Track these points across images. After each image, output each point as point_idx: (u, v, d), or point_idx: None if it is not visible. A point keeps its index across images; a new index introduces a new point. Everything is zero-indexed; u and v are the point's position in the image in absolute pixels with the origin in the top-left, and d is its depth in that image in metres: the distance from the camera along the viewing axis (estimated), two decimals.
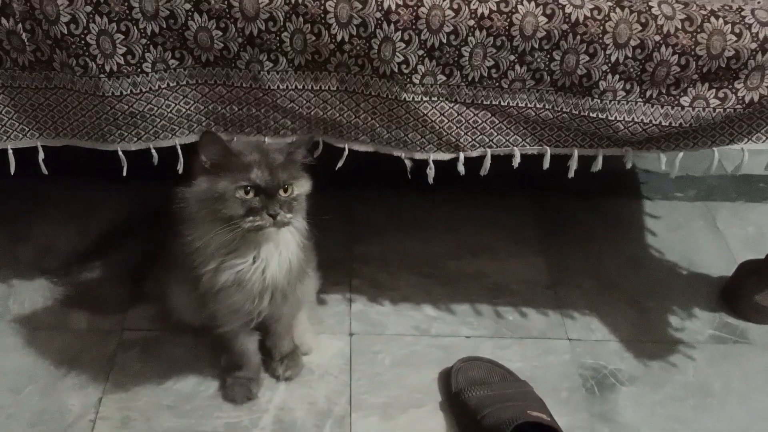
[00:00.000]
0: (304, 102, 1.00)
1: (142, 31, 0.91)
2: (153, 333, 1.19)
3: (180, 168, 1.03)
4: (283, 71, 0.96)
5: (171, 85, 0.97)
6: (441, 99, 0.99)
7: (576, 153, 1.06)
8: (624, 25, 0.93)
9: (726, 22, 0.93)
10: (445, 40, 0.93)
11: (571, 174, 1.07)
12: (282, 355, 1.13)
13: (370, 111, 1.00)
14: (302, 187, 0.93)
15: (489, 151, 1.05)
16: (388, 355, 1.18)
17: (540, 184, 1.45)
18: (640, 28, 0.93)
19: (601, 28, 0.93)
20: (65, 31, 0.90)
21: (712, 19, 0.94)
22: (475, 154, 1.05)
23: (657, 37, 0.93)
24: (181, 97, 0.99)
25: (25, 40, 0.92)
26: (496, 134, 1.04)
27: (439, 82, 0.98)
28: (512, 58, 0.95)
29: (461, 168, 1.05)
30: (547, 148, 1.05)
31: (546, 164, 1.06)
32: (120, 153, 1.03)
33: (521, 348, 1.21)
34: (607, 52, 0.94)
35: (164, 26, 0.91)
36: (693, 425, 1.11)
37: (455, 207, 1.47)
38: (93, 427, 1.05)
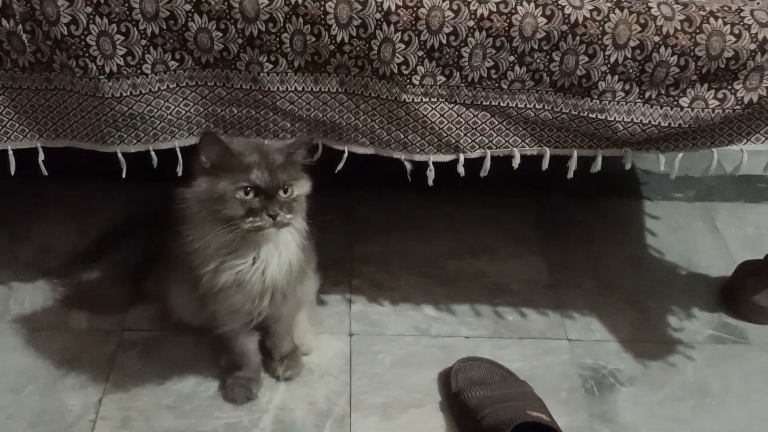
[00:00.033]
0: (304, 104, 1.00)
1: (142, 32, 0.91)
2: (153, 333, 1.19)
3: (179, 171, 1.03)
4: (283, 73, 0.96)
5: (171, 86, 0.97)
6: (441, 100, 1.00)
7: (575, 154, 1.06)
8: (623, 25, 0.93)
9: (725, 23, 0.93)
10: (444, 41, 0.93)
11: (570, 175, 1.07)
12: (282, 355, 1.13)
13: (370, 112, 1.00)
14: (302, 187, 0.93)
15: (489, 152, 1.05)
16: (388, 356, 1.18)
17: (540, 184, 1.45)
18: (639, 28, 0.93)
19: (601, 28, 0.93)
20: (65, 32, 0.90)
21: (712, 20, 0.94)
22: (474, 155, 1.05)
23: (656, 38, 0.94)
24: (181, 98, 0.99)
25: (26, 41, 0.92)
26: (495, 135, 1.04)
27: (438, 83, 0.98)
28: (512, 58, 0.95)
29: (461, 169, 1.05)
30: (547, 148, 1.06)
31: (545, 165, 1.06)
32: (119, 155, 1.03)
33: (521, 348, 1.21)
34: (607, 52, 0.94)
35: (164, 27, 0.91)
36: (692, 425, 1.11)
37: (455, 207, 1.47)
38: (93, 427, 1.05)
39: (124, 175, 1.04)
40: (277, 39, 0.93)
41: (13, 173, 1.03)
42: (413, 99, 0.98)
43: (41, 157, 1.03)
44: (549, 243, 1.42)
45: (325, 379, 1.14)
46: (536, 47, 0.94)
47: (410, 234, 1.41)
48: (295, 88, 0.98)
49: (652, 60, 0.95)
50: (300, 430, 1.07)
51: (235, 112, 1.01)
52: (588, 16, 0.93)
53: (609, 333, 1.25)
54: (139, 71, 0.94)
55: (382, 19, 0.91)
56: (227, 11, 0.90)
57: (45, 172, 1.04)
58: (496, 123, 1.03)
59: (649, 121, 1.01)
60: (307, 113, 1.01)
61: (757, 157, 1.08)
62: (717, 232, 1.48)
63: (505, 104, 1.00)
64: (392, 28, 0.92)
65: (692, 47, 0.94)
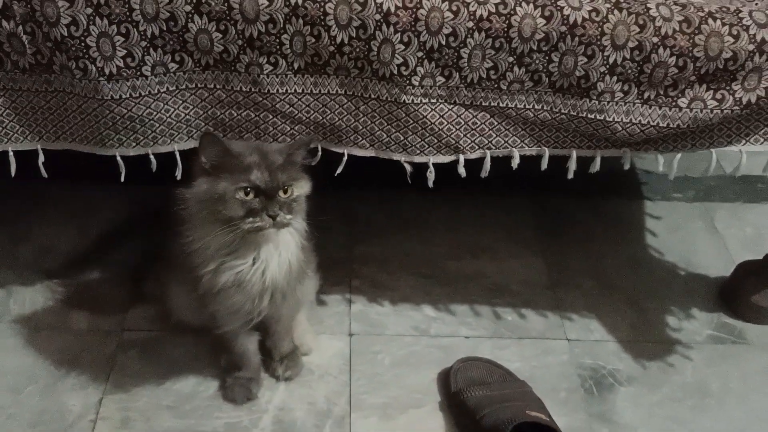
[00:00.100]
0: (304, 106, 1.00)
1: (142, 33, 0.91)
2: (153, 333, 1.19)
3: (178, 175, 1.03)
4: (283, 74, 0.97)
5: (170, 89, 0.97)
6: (440, 101, 1.00)
7: (574, 154, 1.06)
8: (622, 26, 0.93)
9: (724, 24, 0.94)
10: (444, 42, 0.94)
11: (570, 175, 1.08)
12: (282, 355, 1.13)
13: (370, 114, 1.00)
14: (302, 188, 0.93)
15: (488, 153, 1.05)
16: (387, 356, 1.18)
17: (540, 185, 1.45)
18: (638, 29, 0.94)
19: (599, 29, 0.93)
20: (65, 33, 0.90)
21: (710, 20, 0.94)
22: (474, 156, 1.05)
23: (655, 39, 0.94)
24: (180, 101, 0.99)
25: (26, 43, 0.92)
26: (495, 136, 1.04)
27: (438, 84, 0.98)
28: (511, 59, 0.96)
29: (462, 170, 1.05)
30: (546, 149, 1.06)
31: (544, 165, 1.06)
32: (118, 158, 1.03)
33: (520, 348, 1.21)
34: (605, 53, 0.95)
35: (164, 28, 0.92)
36: (691, 425, 1.11)
37: (455, 207, 1.48)
38: (93, 427, 1.06)
39: (122, 179, 1.04)
40: (277, 40, 0.93)
41: (13, 175, 1.03)
42: (413, 100, 0.98)
43: (41, 159, 1.03)
44: (549, 243, 1.42)
45: (325, 379, 1.14)
46: (535, 48, 0.94)
47: (410, 234, 1.41)
48: (295, 90, 0.98)
49: (650, 61, 0.95)
50: (300, 430, 1.07)
51: (235, 114, 1.01)
52: (587, 17, 0.93)
53: (608, 333, 1.25)
54: (138, 73, 0.95)
55: (381, 20, 0.91)
56: (227, 12, 0.90)
57: (45, 174, 1.04)
58: (496, 123, 1.03)
59: (648, 122, 1.01)
60: (307, 115, 1.01)
61: (757, 157, 1.08)
62: (716, 232, 1.48)
63: (504, 105, 1.01)
64: (392, 29, 0.92)
65: (691, 48, 0.94)
